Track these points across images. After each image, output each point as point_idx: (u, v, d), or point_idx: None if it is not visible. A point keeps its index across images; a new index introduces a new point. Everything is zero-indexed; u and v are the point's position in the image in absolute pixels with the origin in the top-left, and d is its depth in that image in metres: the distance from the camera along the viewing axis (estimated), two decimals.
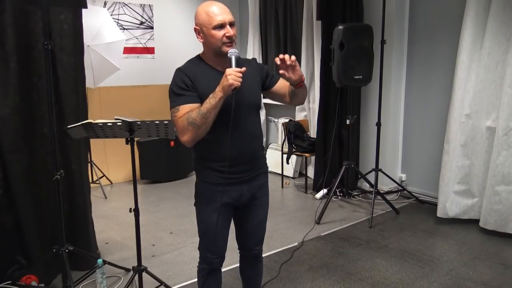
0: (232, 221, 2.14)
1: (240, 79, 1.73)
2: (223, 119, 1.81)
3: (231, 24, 1.84)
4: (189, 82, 1.84)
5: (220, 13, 1.81)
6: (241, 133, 1.90)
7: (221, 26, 1.81)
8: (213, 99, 1.75)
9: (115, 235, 3.72)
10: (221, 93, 1.74)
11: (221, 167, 1.90)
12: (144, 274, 2.59)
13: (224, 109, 1.79)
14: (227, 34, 1.81)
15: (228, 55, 1.81)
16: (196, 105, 1.82)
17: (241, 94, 1.81)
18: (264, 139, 6.05)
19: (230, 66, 1.79)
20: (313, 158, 5.05)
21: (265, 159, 2.13)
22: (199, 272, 2.11)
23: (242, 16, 6.39)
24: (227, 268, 2.95)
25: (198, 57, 1.96)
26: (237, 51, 1.83)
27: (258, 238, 2.18)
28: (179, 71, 1.89)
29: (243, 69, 1.78)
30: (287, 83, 2.02)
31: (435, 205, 3.96)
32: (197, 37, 1.89)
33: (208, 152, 1.94)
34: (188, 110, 1.80)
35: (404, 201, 4.48)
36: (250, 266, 2.27)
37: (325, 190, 4.60)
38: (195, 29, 1.89)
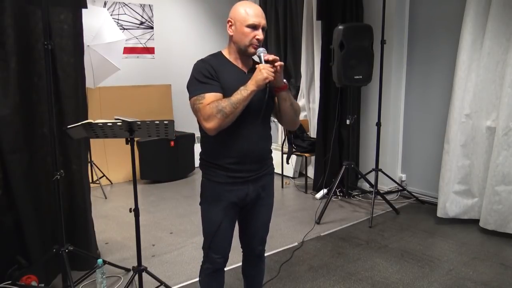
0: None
1: (273, 74, 1.79)
2: (240, 120, 1.84)
3: (263, 29, 1.89)
4: (213, 72, 1.86)
5: (257, 15, 1.86)
6: (251, 134, 1.93)
7: (254, 27, 1.85)
8: (245, 91, 1.79)
9: (115, 235, 3.72)
10: (253, 87, 1.78)
11: (229, 165, 1.93)
12: (144, 274, 2.59)
13: (242, 112, 1.81)
14: (257, 37, 1.86)
15: (257, 53, 1.87)
16: (220, 95, 1.83)
17: (257, 98, 1.84)
18: None
19: (260, 62, 1.84)
20: (313, 158, 5.05)
21: (272, 160, 2.13)
22: (202, 271, 2.12)
23: None
24: (228, 268, 2.94)
25: (220, 53, 1.98)
26: (265, 49, 1.88)
27: (262, 238, 2.19)
28: (202, 62, 1.91)
29: (279, 63, 1.82)
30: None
31: (435, 205, 3.96)
32: (228, 29, 1.92)
33: (217, 150, 1.95)
34: (214, 99, 1.81)
35: (404, 201, 4.48)
36: (252, 266, 2.28)
37: (325, 190, 4.60)
38: (228, 21, 1.91)
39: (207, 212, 2.03)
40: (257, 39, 1.86)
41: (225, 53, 1.96)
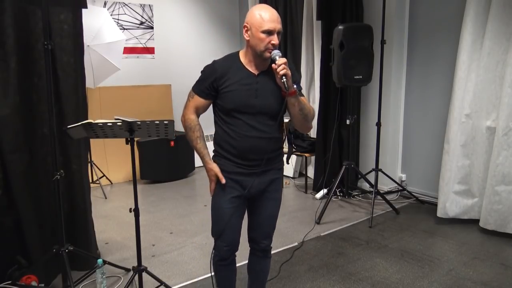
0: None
1: (212, 186, 2.10)
2: (243, 119, 1.99)
3: (278, 33, 1.94)
4: (214, 78, 1.99)
5: (272, 20, 1.91)
6: (257, 133, 2.02)
7: (269, 32, 1.91)
8: (203, 158, 2.09)
9: (115, 235, 3.72)
10: (205, 165, 2.10)
11: (233, 158, 2.05)
12: (144, 274, 2.59)
13: (245, 112, 1.98)
14: (273, 42, 1.92)
15: (272, 56, 1.93)
16: (205, 102, 2.05)
17: (264, 99, 1.98)
18: None
19: (274, 63, 1.94)
20: (313, 158, 5.05)
21: (281, 157, 2.20)
22: (212, 259, 2.21)
23: (242, 16, 6.39)
24: None
25: (237, 54, 2.07)
26: (279, 52, 1.95)
27: (265, 232, 2.24)
28: (213, 64, 2.03)
29: (284, 71, 1.90)
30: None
31: (435, 205, 3.96)
32: (244, 34, 1.99)
33: (225, 142, 2.07)
34: (199, 104, 2.05)
35: (404, 201, 4.48)
36: (257, 261, 2.33)
37: (325, 190, 4.60)
38: (244, 26, 1.98)
39: (215, 201, 2.14)
40: (273, 44, 1.92)
41: (241, 55, 2.05)
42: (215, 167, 2.06)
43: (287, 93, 1.94)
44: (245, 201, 2.15)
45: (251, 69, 2.01)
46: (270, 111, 2.02)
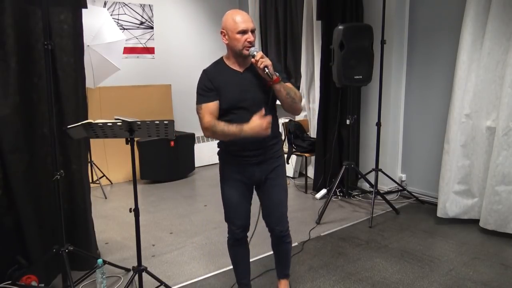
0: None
1: (266, 131, 2.13)
2: (240, 114, 2.17)
3: (252, 31, 2.17)
4: (209, 84, 2.19)
5: (244, 21, 2.15)
6: None
7: (243, 32, 2.14)
8: (240, 132, 2.10)
9: (115, 235, 3.72)
10: (247, 134, 2.11)
11: (234, 152, 2.29)
12: (144, 274, 2.59)
13: (240, 107, 2.18)
14: (248, 40, 2.15)
15: (250, 53, 2.15)
16: (214, 103, 2.19)
17: (253, 92, 2.21)
18: None
19: (253, 57, 2.15)
20: (313, 158, 5.05)
21: (279, 145, 2.39)
22: (227, 242, 2.51)
23: None
24: (229, 268, 2.96)
25: (221, 58, 2.30)
26: (256, 49, 2.18)
27: (276, 217, 2.40)
28: (203, 73, 2.25)
29: (265, 62, 2.10)
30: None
31: (435, 205, 3.96)
32: (222, 39, 2.21)
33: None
34: (210, 108, 2.18)
35: (404, 201, 4.48)
36: (277, 242, 2.52)
37: (325, 190, 4.60)
38: (221, 32, 2.21)
39: (222, 189, 2.41)
40: (249, 42, 2.15)
41: (225, 58, 2.28)
42: (252, 121, 2.11)
43: (272, 81, 2.13)
44: (251, 188, 2.38)
45: (236, 68, 2.24)
46: (262, 102, 2.21)
